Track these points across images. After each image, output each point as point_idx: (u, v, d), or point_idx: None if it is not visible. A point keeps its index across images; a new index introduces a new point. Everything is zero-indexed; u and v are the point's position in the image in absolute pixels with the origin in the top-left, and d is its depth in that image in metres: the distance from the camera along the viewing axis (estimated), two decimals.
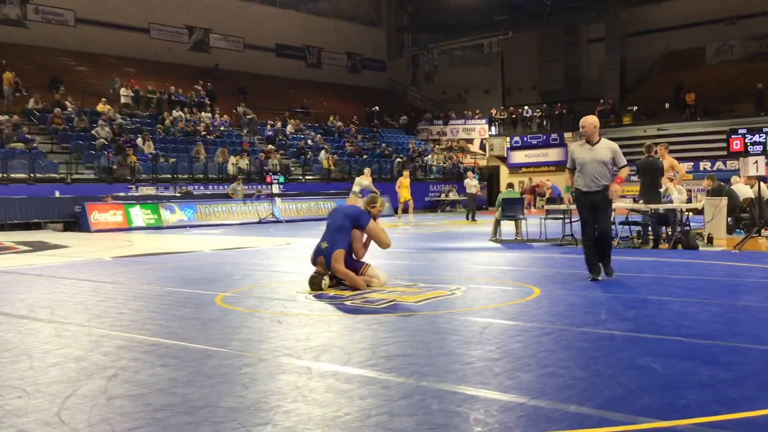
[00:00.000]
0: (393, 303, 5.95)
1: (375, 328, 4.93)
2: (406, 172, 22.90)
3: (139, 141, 23.65)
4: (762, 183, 11.59)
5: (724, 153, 14.06)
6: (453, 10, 39.07)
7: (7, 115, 22.19)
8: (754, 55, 33.31)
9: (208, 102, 29.61)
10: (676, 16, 35.22)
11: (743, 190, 13.47)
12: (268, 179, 21.87)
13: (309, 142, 29.92)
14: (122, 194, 20.61)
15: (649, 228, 11.28)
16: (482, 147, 36.70)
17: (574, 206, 7.72)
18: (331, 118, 33.84)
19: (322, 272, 6.79)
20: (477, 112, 37.41)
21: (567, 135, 32.99)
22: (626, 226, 11.87)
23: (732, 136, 10.86)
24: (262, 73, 35.84)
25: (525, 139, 35.38)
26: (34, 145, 21.56)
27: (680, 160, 15.33)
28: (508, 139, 35.96)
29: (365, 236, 7.06)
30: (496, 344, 4.33)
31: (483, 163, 35.73)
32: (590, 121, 7.21)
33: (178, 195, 22.13)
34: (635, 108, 33.18)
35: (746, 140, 10.65)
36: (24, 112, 23.58)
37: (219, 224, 20.65)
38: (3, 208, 18.39)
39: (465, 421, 2.91)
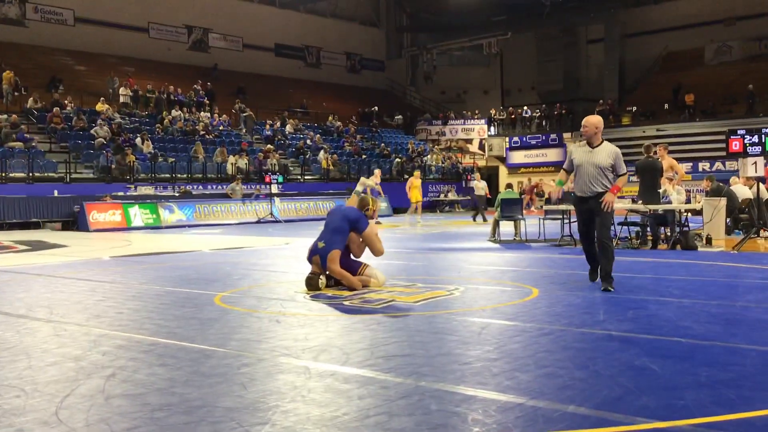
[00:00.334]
0: (391, 303, 5.95)
1: (373, 328, 4.92)
2: (417, 173, 22.42)
3: (138, 140, 23.63)
4: (761, 184, 11.61)
5: (723, 154, 14.07)
6: (452, 11, 39.10)
7: (6, 115, 22.17)
8: (753, 56, 33.35)
9: (207, 102, 29.61)
10: (675, 16, 35.28)
11: (742, 191, 13.48)
12: (267, 179, 21.87)
13: (308, 141, 29.92)
14: (121, 194, 20.59)
15: (648, 228, 11.29)
16: (481, 147, 36.73)
17: (559, 198, 7.43)
18: (330, 118, 33.85)
19: (317, 272, 6.79)
20: (476, 112, 37.44)
21: (566, 135, 33.04)
22: (625, 227, 11.89)
23: (731, 137, 10.85)
24: (261, 72, 35.86)
25: (524, 139, 35.41)
26: (33, 144, 21.54)
27: (679, 160, 15.33)
28: (507, 139, 36.00)
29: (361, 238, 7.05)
30: (494, 344, 4.33)
31: (482, 163, 35.76)
32: (592, 121, 6.73)
33: (176, 195, 22.12)
34: (634, 108, 33.23)
35: (745, 141, 10.65)
36: (23, 112, 23.56)
37: (218, 224, 20.65)
38: (2, 207, 18.38)
39: (463, 422, 2.91)
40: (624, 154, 7.26)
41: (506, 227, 13.76)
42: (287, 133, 30.48)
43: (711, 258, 9.43)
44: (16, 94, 24.38)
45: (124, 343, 4.58)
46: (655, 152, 11.40)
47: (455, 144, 37.00)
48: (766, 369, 3.74)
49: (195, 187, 23.59)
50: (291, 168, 27.53)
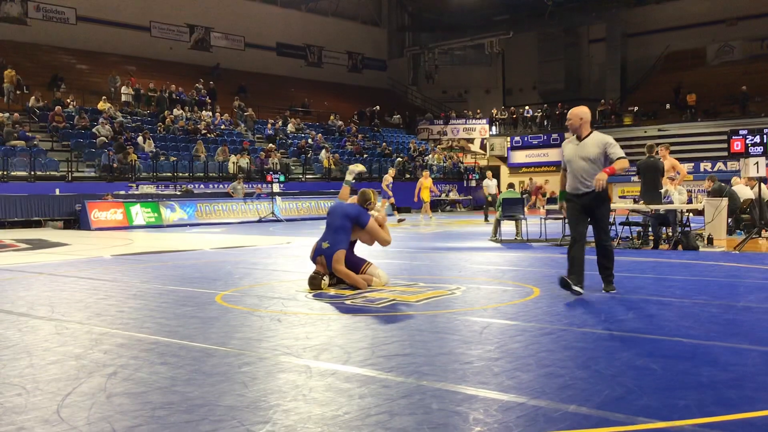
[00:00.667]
0: (393, 302, 5.96)
1: (375, 327, 4.93)
2: (426, 173, 22.71)
3: (140, 139, 23.66)
4: (762, 184, 11.59)
5: (725, 154, 14.05)
6: (454, 10, 39.09)
7: (7, 113, 22.20)
8: (754, 56, 33.33)
9: (209, 101, 29.62)
10: (677, 16, 35.26)
11: (744, 191, 13.48)
12: (269, 178, 21.89)
13: (309, 141, 29.93)
14: (122, 192, 20.62)
15: (650, 228, 11.28)
16: (483, 147, 36.72)
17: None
18: (332, 117, 33.85)
19: (321, 272, 6.79)
20: (477, 111, 37.43)
21: (567, 135, 32.99)
22: (626, 227, 11.88)
23: (733, 137, 10.84)
24: (262, 71, 35.87)
25: (525, 139, 35.41)
26: (35, 142, 21.57)
27: (681, 160, 15.34)
28: (508, 138, 36.00)
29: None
30: (495, 344, 4.33)
31: (483, 162, 35.76)
32: (575, 112, 6.23)
33: (178, 193, 22.14)
34: (636, 108, 33.21)
35: (747, 141, 10.64)
36: (25, 110, 23.58)
37: (219, 223, 20.66)
38: (3, 205, 18.41)
39: (464, 421, 2.91)
40: (625, 155, 7.10)
41: (508, 227, 13.75)
42: (289, 132, 30.50)
43: (712, 258, 9.43)
44: (18, 92, 24.42)
45: (126, 341, 4.58)
46: (657, 152, 11.40)
47: (457, 143, 37.01)
48: (767, 369, 3.74)
49: (196, 186, 23.61)
50: (292, 167, 27.55)
